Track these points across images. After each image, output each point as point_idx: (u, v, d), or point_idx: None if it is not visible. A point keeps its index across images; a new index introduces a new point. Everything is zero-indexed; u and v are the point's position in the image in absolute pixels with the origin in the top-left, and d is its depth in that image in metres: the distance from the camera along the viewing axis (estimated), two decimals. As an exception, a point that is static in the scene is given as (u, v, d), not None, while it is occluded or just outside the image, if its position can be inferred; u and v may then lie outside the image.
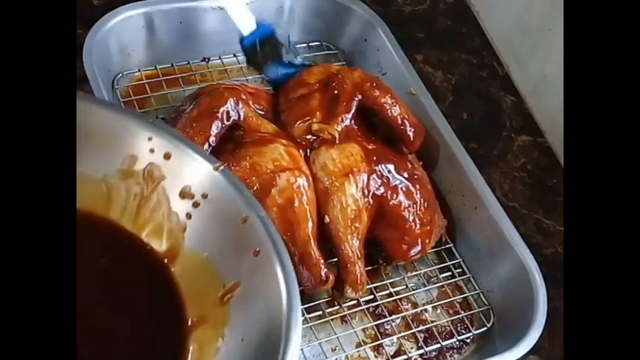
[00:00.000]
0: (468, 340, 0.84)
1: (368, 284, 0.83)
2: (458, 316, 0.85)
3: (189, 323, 0.64)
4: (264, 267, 0.62)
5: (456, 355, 0.83)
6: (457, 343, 0.84)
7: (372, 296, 0.84)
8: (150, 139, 0.65)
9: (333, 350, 0.80)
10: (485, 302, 0.86)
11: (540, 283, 0.82)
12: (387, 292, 0.85)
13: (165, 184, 0.66)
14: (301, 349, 0.79)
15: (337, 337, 0.80)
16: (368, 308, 0.83)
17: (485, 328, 0.85)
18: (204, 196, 0.65)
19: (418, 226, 0.83)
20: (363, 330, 0.83)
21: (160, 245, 0.66)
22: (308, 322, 0.80)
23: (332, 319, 0.81)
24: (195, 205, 0.65)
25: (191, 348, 0.63)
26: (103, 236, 0.66)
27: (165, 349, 0.63)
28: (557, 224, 0.94)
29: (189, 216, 0.66)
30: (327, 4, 1.01)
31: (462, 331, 0.85)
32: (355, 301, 0.83)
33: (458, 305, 0.86)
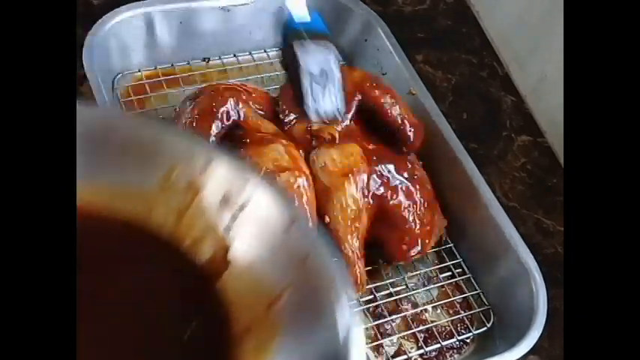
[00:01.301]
0: (468, 340, 0.84)
1: (368, 284, 0.83)
2: (458, 316, 0.85)
3: (237, 334, 0.61)
4: (312, 272, 0.60)
5: (456, 355, 0.83)
6: (457, 343, 0.84)
7: (371, 296, 0.84)
8: (188, 148, 0.64)
9: (333, 350, 0.80)
10: (485, 302, 0.86)
11: (540, 283, 0.82)
12: (387, 292, 0.85)
13: (205, 192, 0.64)
14: (301, 349, 0.79)
15: (337, 337, 0.80)
16: (368, 308, 0.83)
17: (485, 328, 0.85)
18: (245, 204, 0.63)
19: (418, 226, 0.83)
20: (363, 330, 0.83)
21: (202, 256, 0.64)
22: (308, 322, 0.80)
23: (332, 319, 0.81)
24: (237, 213, 0.63)
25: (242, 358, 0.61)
26: (143, 247, 0.64)
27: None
28: (557, 224, 0.94)
29: (230, 225, 0.63)
30: (327, 4, 1.00)
31: (462, 331, 0.85)
32: (355, 301, 0.83)
33: (458, 305, 0.86)
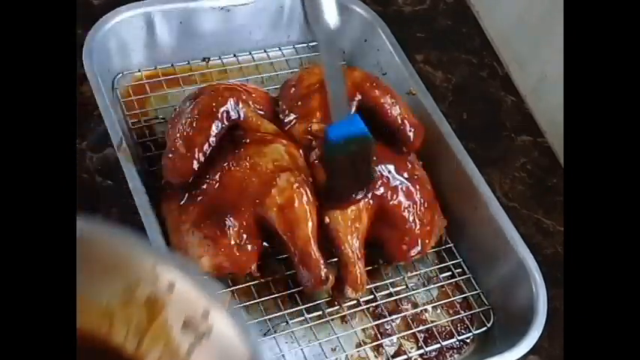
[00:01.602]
0: (468, 340, 0.85)
1: (368, 284, 0.83)
2: (458, 316, 0.85)
3: None
4: None
5: (456, 355, 0.83)
6: (457, 343, 0.84)
7: (372, 296, 0.84)
8: (154, 267, 0.63)
9: (333, 350, 0.80)
10: (486, 302, 0.86)
11: (540, 283, 0.82)
12: (387, 292, 0.85)
13: (167, 313, 0.63)
14: (301, 349, 0.79)
15: (337, 337, 0.80)
16: (368, 308, 0.84)
17: (485, 328, 0.85)
18: (208, 330, 0.62)
19: (418, 226, 0.83)
20: (363, 330, 0.83)
21: None
22: (308, 322, 0.80)
23: (332, 319, 0.81)
24: (198, 338, 0.62)
25: None
26: None
27: None
28: (557, 224, 0.94)
29: (191, 349, 0.62)
30: (327, 4, 1.01)
31: (462, 331, 0.85)
32: (355, 301, 0.83)
33: (458, 305, 0.86)
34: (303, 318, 0.80)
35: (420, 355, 0.82)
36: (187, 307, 0.62)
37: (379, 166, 0.82)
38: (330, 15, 0.70)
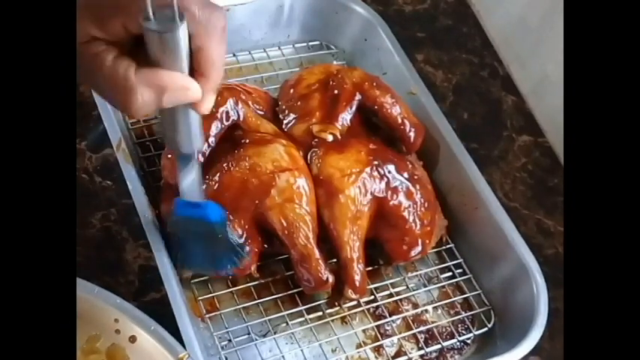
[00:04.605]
0: (468, 341, 0.84)
1: (368, 285, 0.82)
2: (458, 317, 0.85)
3: None
4: None
5: (456, 356, 0.83)
6: (458, 343, 0.83)
7: (372, 297, 0.84)
8: (116, 320, 0.65)
9: (333, 351, 0.80)
10: (486, 303, 0.86)
11: (541, 283, 0.81)
12: (388, 292, 0.85)
13: None
14: (301, 350, 0.79)
15: (337, 338, 0.80)
16: (368, 309, 0.83)
17: (486, 329, 0.85)
18: None
19: (418, 227, 0.83)
20: (364, 331, 0.82)
21: None
22: (308, 323, 0.80)
23: (332, 320, 0.81)
24: None
25: None
26: None
27: None
28: (558, 224, 0.94)
29: None
30: (327, 4, 1.00)
31: (463, 331, 0.84)
32: (355, 302, 0.82)
33: (458, 306, 0.86)
34: (303, 319, 0.80)
35: (421, 356, 0.82)
36: None
37: (379, 166, 0.81)
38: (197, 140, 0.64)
